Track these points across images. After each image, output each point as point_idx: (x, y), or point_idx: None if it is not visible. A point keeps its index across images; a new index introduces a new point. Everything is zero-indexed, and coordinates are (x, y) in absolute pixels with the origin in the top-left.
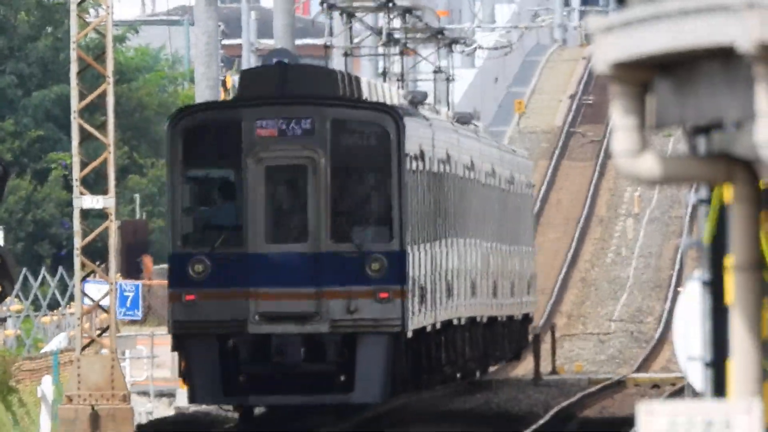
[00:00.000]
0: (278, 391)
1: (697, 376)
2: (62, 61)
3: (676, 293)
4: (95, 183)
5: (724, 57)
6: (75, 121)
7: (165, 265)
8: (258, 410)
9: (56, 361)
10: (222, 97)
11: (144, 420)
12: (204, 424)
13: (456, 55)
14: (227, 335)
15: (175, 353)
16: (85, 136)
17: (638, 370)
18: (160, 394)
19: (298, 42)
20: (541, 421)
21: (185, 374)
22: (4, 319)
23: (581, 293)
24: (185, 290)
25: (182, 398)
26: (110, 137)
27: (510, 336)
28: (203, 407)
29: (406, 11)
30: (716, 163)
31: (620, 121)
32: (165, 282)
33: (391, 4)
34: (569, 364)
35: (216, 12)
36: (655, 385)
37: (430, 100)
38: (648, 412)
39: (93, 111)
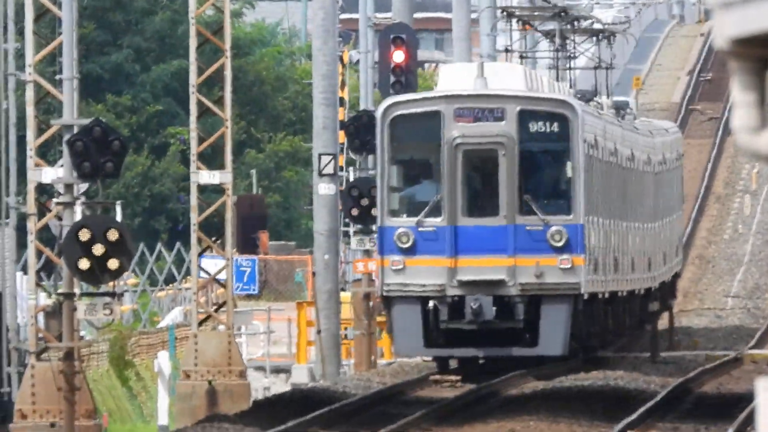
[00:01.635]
0: (473, 344)
1: None
2: (179, 36)
3: None
4: (212, 158)
5: None
6: (193, 96)
7: (282, 242)
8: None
9: (172, 335)
10: (339, 71)
11: (261, 396)
12: (321, 400)
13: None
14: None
15: (292, 329)
16: (202, 111)
17: (755, 346)
18: (277, 370)
19: (417, 15)
20: (658, 398)
21: (390, 330)
22: (122, 294)
23: (698, 270)
24: (393, 257)
25: (299, 374)
26: (227, 112)
27: (662, 296)
28: (321, 383)
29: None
30: None
31: (740, 98)
32: (281, 257)
33: (563, 14)
34: (686, 340)
35: None
36: None
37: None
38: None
39: (211, 86)
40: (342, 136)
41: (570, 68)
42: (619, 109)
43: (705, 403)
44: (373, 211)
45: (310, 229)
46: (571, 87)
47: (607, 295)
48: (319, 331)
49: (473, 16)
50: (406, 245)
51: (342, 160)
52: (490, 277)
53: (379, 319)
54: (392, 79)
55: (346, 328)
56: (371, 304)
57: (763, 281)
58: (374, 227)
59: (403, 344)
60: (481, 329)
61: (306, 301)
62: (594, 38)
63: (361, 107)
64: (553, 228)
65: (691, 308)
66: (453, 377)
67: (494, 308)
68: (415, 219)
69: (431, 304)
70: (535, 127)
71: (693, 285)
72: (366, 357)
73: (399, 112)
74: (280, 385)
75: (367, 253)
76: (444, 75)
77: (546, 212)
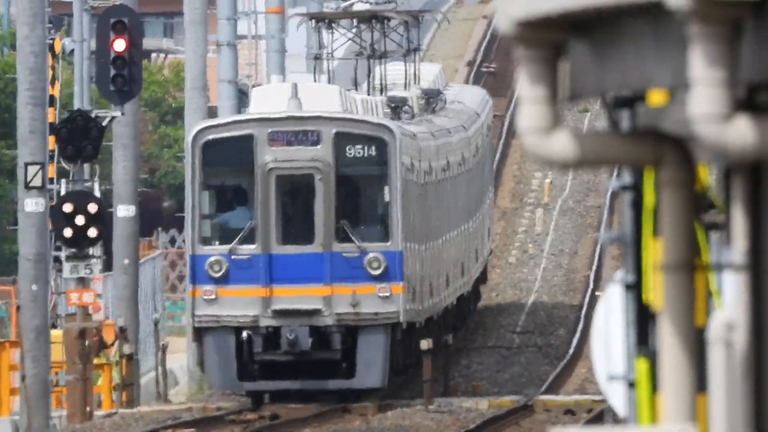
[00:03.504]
0: (289, 377)
1: (620, 397)
2: None
3: (593, 298)
4: None
5: (651, 14)
6: None
7: None
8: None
9: None
10: (50, 63)
11: None
12: None
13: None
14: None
15: None
16: None
17: (548, 391)
18: None
19: None
20: None
21: (202, 363)
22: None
23: (481, 299)
24: (204, 287)
25: (0, 428)
26: None
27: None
28: None
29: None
30: (642, 142)
31: (528, 92)
32: None
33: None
34: (466, 383)
35: None
36: (569, 411)
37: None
38: None
39: None
40: (52, 142)
41: (375, 58)
42: (430, 98)
43: None
44: (90, 232)
45: (15, 254)
46: (382, 93)
47: (423, 323)
48: (23, 377)
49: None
50: (219, 274)
51: (52, 171)
52: (305, 307)
53: (96, 361)
54: (113, 72)
55: (57, 373)
56: (87, 342)
57: (557, 313)
58: (186, 256)
59: (216, 379)
60: (297, 360)
61: (9, 341)
62: (403, 25)
63: (76, 106)
64: (371, 255)
65: (472, 345)
66: (186, 430)
67: (310, 339)
68: (228, 246)
69: (245, 334)
70: (352, 151)
71: (473, 317)
72: (81, 407)
73: (210, 137)
74: None
75: (82, 281)
76: (256, 96)
77: (363, 239)
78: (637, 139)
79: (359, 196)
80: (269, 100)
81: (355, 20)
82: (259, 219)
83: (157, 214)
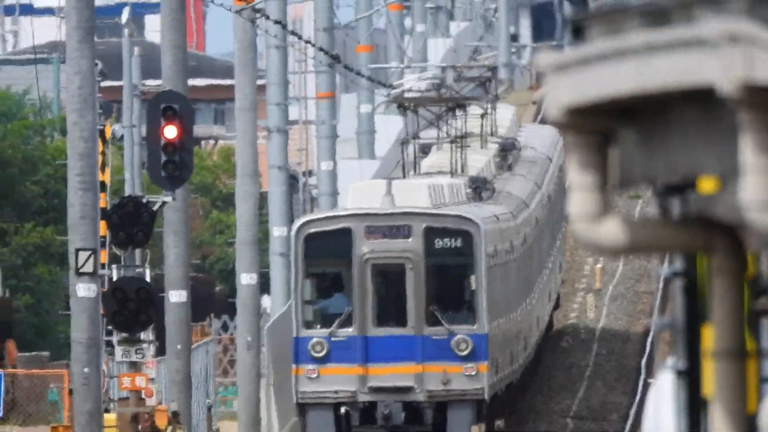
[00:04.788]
0: None
1: None
2: None
3: (645, 385)
4: None
5: (700, 101)
6: None
7: (33, 352)
8: None
9: None
10: (100, 149)
11: None
12: None
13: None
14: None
15: None
16: None
17: None
18: None
19: (192, 82)
20: None
21: None
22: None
23: (529, 383)
24: (307, 366)
25: None
26: None
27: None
28: None
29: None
30: (693, 229)
31: (577, 179)
32: (32, 371)
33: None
34: None
35: (92, 48)
36: None
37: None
38: None
39: None
40: (103, 228)
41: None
42: (506, 152)
43: None
44: (141, 317)
45: (67, 338)
46: (462, 172)
47: (504, 389)
48: None
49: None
50: (320, 354)
51: (104, 256)
52: (399, 384)
53: None
54: (164, 158)
55: None
56: (140, 427)
57: (609, 399)
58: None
59: None
60: None
61: (62, 425)
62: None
63: (127, 192)
64: (458, 337)
65: (524, 430)
66: None
67: (403, 413)
68: (328, 330)
69: (343, 409)
70: (440, 243)
71: (524, 401)
72: None
73: (312, 230)
74: None
75: (134, 365)
76: (354, 192)
77: (451, 322)
78: (688, 226)
79: (447, 283)
80: (366, 196)
81: (440, 106)
82: (357, 304)
83: (209, 300)
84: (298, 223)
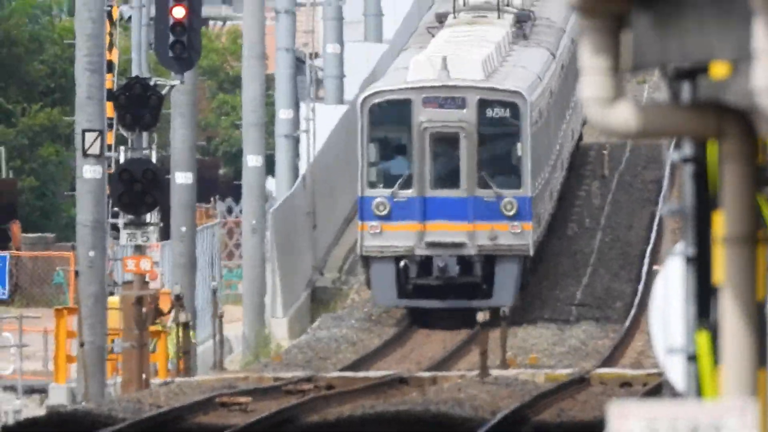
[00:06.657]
0: (438, 297)
1: (679, 371)
2: None
3: (651, 272)
4: None
5: None
6: None
7: (37, 234)
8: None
9: None
10: (108, 29)
11: (11, 420)
12: (83, 425)
13: None
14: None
15: (49, 341)
16: None
17: (604, 364)
18: (30, 390)
19: None
20: (487, 426)
21: (369, 285)
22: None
23: (537, 270)
24: (371, 223)
25: (57, 395)
26: None
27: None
28: (83, 405)
29: None
30: (704, 114)
31: (590, 62)
32: (38, 253)
33: None
34: (522, 356)
35: None
36: (626, 383)
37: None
38: (621, 414)
39: None
40: (110, 109)
41: None
42: (522, 22)
43: None
44: (147, 199)
45: (72, 220)
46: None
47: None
48: (81, 344)
49: None
50: (383, 212)
51: (111, 138)
52: (453, 240)
53: (152, 328)
54: (171, 39)
55: (113, 340)
56: (144, 310)
57: (614, 286)
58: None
59: (379, 296)
60: (445, 284)
61: (66, 307)
62: None
63: (134, 73)
64: (506, 199)
65: (528, 318)
66: (243, 399)
67: (457, 266)
68: (390, 190)
69: (403, 263)
70: (491, 113)
71: (531, 289)
72: (137, 374)
73: (377, 100)
74: (33, 408)
75: (139, 249)
76: (414, 66)
77: (500, 186)
78: (699, 111)
79: (496, 150)
80: (424, 69)
81: None
82: (416, 168)
83: (214, 182)
84: (363, 94)
